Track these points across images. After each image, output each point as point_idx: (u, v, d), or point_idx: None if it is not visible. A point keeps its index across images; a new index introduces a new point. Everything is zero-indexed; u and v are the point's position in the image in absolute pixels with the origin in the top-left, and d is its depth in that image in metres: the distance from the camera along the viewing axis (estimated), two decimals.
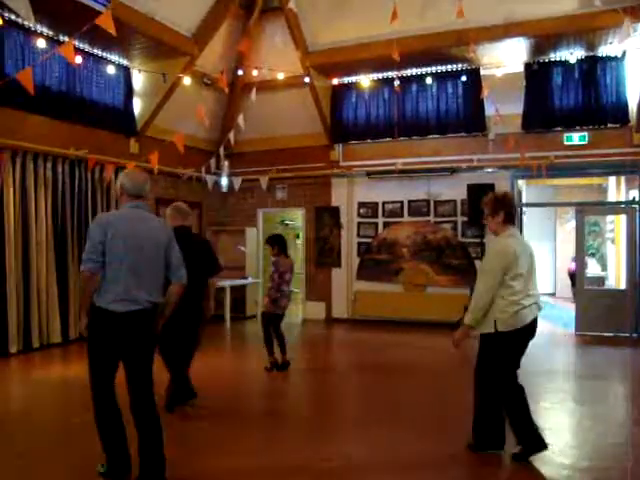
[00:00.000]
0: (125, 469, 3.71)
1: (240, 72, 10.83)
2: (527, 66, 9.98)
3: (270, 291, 7.14)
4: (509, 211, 4.17)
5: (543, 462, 4.15)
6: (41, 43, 7.40)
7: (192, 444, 4.54)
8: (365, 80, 10.60)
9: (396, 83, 10.35)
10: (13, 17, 7.57)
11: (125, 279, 3.53)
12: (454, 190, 10.65)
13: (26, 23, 7.80)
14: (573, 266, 12.38)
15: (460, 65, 10.37)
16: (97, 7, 7.25)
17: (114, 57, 9.49)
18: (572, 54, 9.67)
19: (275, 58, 10.47)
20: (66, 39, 7.81)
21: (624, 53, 9.43)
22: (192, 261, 4.69)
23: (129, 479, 3.68)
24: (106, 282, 3.52)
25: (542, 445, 4.12)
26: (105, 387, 3.66)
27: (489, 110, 9.98)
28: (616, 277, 13.04)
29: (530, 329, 4.13)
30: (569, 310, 11.82)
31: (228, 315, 11.08)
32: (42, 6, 7.16)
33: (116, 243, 3.53)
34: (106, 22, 5.55)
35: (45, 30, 8.16)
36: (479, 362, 4.26)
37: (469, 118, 10.51)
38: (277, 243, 7.21)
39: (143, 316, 3.60)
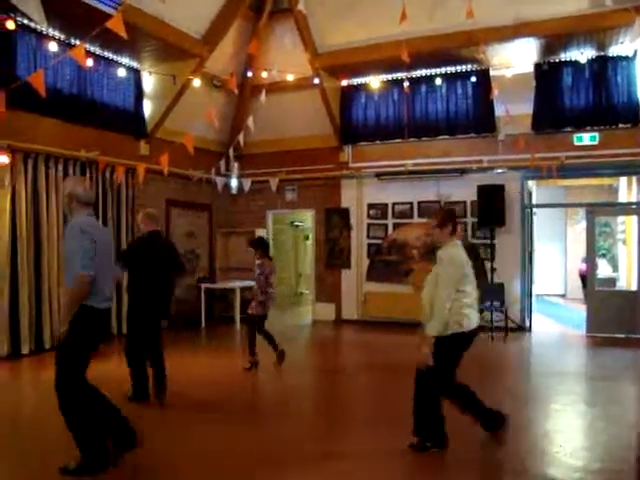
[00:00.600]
0: (104, 462, 3.88)
1: (250, 74, 10.86)
2: (537, 66, 9.94)
3: (257, 293, 7.37)
4: (455, 224, 4.47)
5: (554, 464, 4.13)
6: (53, 46, 7.45)
7: (195, 442, 4.56)
8: (374, 81, 10.59)
9: (405, 84, 10.34)
10: (25, 21, 7.64)
11: (107, 280, 4.00)
12: (464, 191, 10.62)
13: (38, 27, 7.87)
14: (584, 267, 12.34)
15: (470, 66, 10.35)
16: (108, 10, 7.30)
17: (124, 60, 9.56)
18: (582, 54, 9.63)
19: (284, 60, 10.48)
20: (77, 42, 7.89)
21: (635, 52, 9.38)
22: (163, 262, 5.73)
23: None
24: (96, 284, 3.83)
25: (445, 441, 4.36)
26: (85, 380, 3.91)
27: (499, 111, 9.94)
28: (627, 278, 12.94)
29: (476, 329, 4.36)
30: (580, 311, 11.76)
31: (238, 316, 11.12)
32: (54, 10, 7.22)
33: (100, 248, 3.90)
34: (117, 25, 5.58)
35: (57, 33, 8.25)
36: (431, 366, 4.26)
37: (479, 119, 10.49)
38: (260, 246, 7.56)
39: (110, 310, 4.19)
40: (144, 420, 4.70)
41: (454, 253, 4.34)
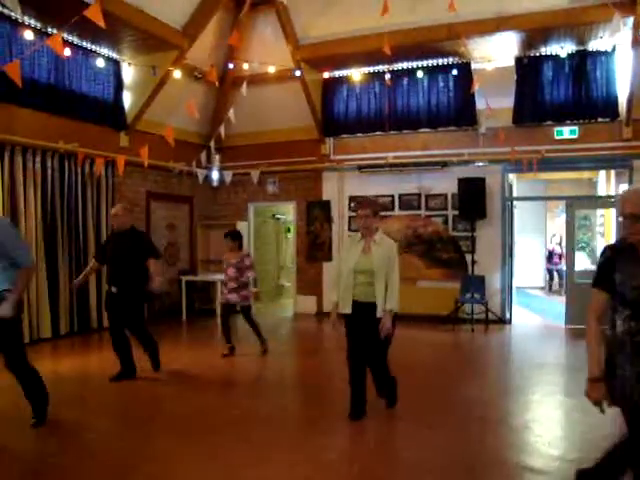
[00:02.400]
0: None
1: (231, 65, 10.78)
2: (518, 60, 9.98)
3: (250, 285, 7.66)
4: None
5: (533, 454, 4.18)
6: (29, 35, 7.29)
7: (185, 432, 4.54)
8: (356, 74, 10.56)
9: (387, 77, 10.31)
10: None
11: None
12: (445, 184, 10.68)
13: (13, 14, 7.71)
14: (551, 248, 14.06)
15: (451, 59, 10.36)
16: None
17: (104, 50, 9.42)
18: (563, 48, 9.68)
19: (266, 51, 10.41)
20: (54, 31, 7.75)
21: (614, 48, 9.45)
22: (140, 251, 6.27)
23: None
24: None
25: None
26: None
27: (480, 104, 9.98)
28: None
29: None
30: (559, 303, 11.88)
31: (219, 309, 11.05)
32: None
33: None
34: (95, 14, 5.48)
35: (33, 22, 8.07)
36: (381, 339, 4.80)
37: (460, 112, 10.51)
38: (240, 238, 7.71)
39: None
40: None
41: (390, 239, 5.07)
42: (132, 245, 6.27)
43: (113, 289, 6.25)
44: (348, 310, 4.94)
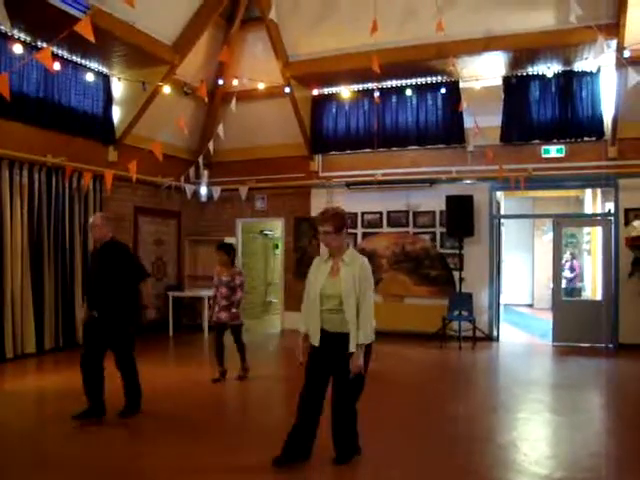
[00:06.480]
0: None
1: (220, 82, 10.83)
2: (505, 79, 10.10)
3: (240, 302, 7.17)
4: (347, 227, 4.30)
5: (519, 472, 4.16)
6: (18, 49, 7.30)
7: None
8: (345, 91, 10.66)
9: (376, 94, 10.39)
10: None
11: None
12: (433, 201, 10.72)
13: (2, 28, 7.70)
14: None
15: (440, 77, 10.46)
16: (76, 14, 7.18)
17: (94, 64, 9.42)
18: (549, 68, 9.82)
19: (256, 68, 10.47)
20: (44, 45, 7.75)
21: (599, 68, 9.60)
22: (125, 270, 5.41)
23: None
24: None
25: None
26: None
27: (468, 122, 10.07)
28: (592, 288, 13.18)
29: None
30: (546, 321, 11.92)
31: (207, 328, 10.96)
32: (19, 11, 7.09)
33: None
34: (85, 29, 5.49)
35: (22, 36, 8.06)
36: (349, 378, 4.09)
37: (448, 130, 10.59)
38: (232, 252, 7.26)
39: None
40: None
41: (365, 259, 4.25)
42: (115, 261, 5.41)
43: (94, 313, 5.34)
44: (315, 342, 4.25)
